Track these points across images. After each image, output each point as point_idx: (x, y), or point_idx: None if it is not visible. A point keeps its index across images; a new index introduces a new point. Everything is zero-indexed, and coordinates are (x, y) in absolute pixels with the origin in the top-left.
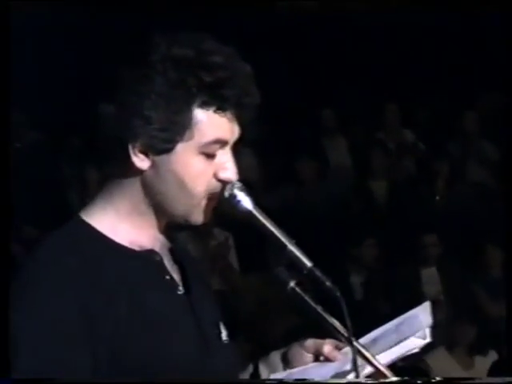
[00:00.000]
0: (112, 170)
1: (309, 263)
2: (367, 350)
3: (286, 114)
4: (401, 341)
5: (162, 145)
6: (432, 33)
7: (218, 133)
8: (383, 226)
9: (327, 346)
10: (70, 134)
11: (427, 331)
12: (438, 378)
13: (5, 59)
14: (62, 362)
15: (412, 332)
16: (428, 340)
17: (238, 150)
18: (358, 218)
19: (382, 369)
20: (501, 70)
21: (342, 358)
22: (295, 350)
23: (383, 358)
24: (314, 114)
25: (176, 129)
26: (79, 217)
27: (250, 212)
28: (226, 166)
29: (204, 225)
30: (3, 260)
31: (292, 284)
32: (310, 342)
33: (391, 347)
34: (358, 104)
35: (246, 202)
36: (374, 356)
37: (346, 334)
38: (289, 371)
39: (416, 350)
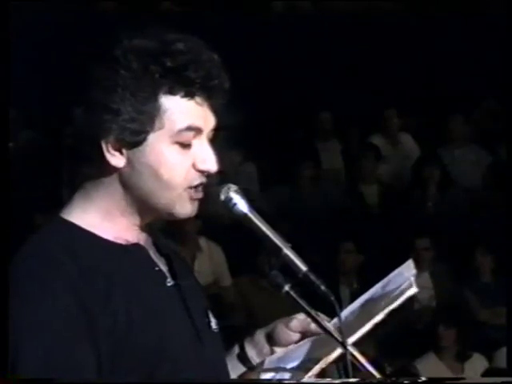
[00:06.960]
0: (88, 170)
1: (304, 267)
2: (360, 353)
3: (282, 116)
4: (388, 294)
5: (133, 137)
6: (430, 36)
7: (189, 119)
8: (375, 230)
9: (314, 324)
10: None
11: (412, 280)
12: (423, 379)
13: (4, 58)
14: (68, 359)
15: (398, 286)
16: (415, 289)
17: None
18: (349, 221)
19: (374, 372)
20: (496, 75)
21: (332, 329)
22: (281, 330)
23: (375, 313)
24: (310, 117)
25: (144, 119)
26: (60, 217)
27: (245, 215)
28: (204, 156)
29: (189, 234)
30: (2, 259)
31: (287, 288)
32: (296, 323)
33: (380, 302)
34: (354, 107)
35: (241, 204)
36: (367, 359)
37: (339, 338)
38: (285, 349)
39: (408, 295)
